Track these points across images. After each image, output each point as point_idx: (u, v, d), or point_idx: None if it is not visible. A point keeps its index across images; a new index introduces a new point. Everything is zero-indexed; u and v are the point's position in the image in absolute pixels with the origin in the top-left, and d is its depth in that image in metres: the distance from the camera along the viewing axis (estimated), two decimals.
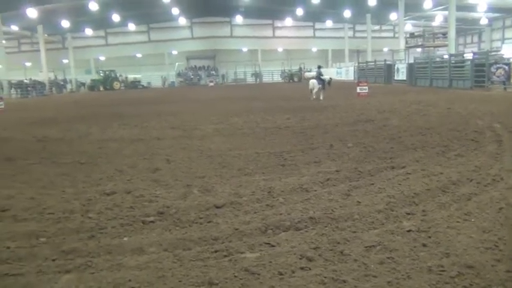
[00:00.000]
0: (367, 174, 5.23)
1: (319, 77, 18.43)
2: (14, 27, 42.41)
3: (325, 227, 3.60)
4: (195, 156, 6.80)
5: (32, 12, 35.84)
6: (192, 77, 53.81)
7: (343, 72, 45.54)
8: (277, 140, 8.10)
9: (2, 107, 19.41)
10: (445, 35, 34.43)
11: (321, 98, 17.66)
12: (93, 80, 47.93)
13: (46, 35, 46.14)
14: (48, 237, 3.58)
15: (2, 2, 32.65)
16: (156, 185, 5.15)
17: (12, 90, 37.95)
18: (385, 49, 55.78)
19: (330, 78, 20.26)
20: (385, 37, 56.72)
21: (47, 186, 5.25)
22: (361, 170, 5.39)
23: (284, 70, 51.95)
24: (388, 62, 34.84)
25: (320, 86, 17.95)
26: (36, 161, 6.87)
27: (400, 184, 4.72)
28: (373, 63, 36.98)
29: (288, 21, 53.74)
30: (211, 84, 47.99)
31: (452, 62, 24.09)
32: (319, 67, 19.55)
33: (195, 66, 56.03)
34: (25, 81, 41.26)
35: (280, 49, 57.51)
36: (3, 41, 38.13)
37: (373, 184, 4.79)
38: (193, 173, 5.66)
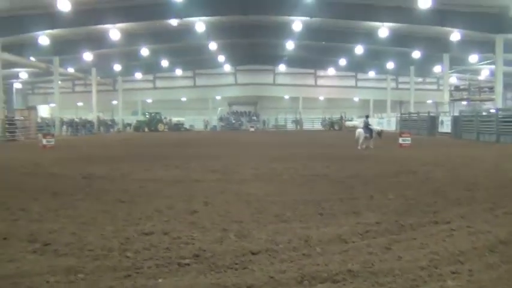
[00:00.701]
0: (408, 228, 5.03)
1: (366, 126, 18.33)
2: (70, 70, 45.21)
3: (364, 281, 3.45)
4: (232, 200, 6.81)
5: (87, 56, 38.21)
6: (233, 121, 54.97)
7: (385, 122, 45.19)
8: (316, 188, 8.00)
9: (53, 143, 20.37)
10: (491, 89, 33.69)
11: (364, 146, 17.45)
12: (138, 121, 50.01)
13: (99, 78, 48.84)
14: (86, 273, 3.62)
15: (61, 46, 35.08)
16: (193, 227, 5.16)
17: (64, 128, 39.94)
18: (429, 101, 55.10)
19: (381, 129, 20.10)
20: (429, 89, 56.32)
21: (88, 223, 5.37)
22: (402, 223, 5.20)
23: (325, 118, 52.12)
24: (431, 114, 34.29)
25: (367, 135, 17.83)
26: (80, 197, 7.08)
27: (444, 240, 4.50)
28: (416, 115, 36.51)
29: (331, 70, 54.44)
30: (252, 129, 48.82)
31: (500, 116, 23.42)
32: (366, 117, 19.47)
33: (237, 111, 57.34)
34: (75, 119, 43.48)
35: (321, 97, 58.09)
36: (59, 82, 40.67)
37: (415, 239, 4.59)
38: (230, 217, 5.65)
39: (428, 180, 8.82)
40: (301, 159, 13.22)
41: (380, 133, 18.98)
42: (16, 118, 33.23)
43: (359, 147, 17.45)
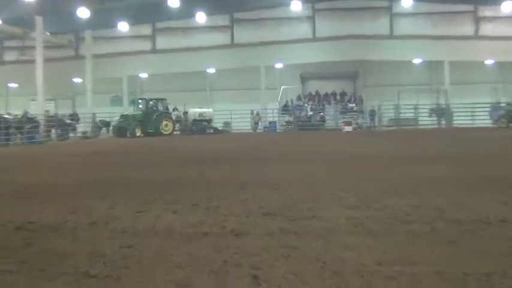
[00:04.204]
0: None
1: None
2: None
3: None
4: (310, 275, 6.67)
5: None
6: (310, 113, 54.54)
7: None
8: (482, 246, 7.69)
9: None
10: None
11: None
12: (124, 116, 50.53)
13: (48, 34, 50.36)
14: None
15: None
16: None
17: None
18: None
19: None
20: None
21: None
22: None
23: (497, 103, 50.91)
24: None
25: None
26: None
27: None
28: None
29: (507, 6, 53.07)
30: (348, 128, 48.83)
31: None
32: None
33: (317, 92, 57.04)
34: (5, 116, 44.77)
35: (488, 61, 56.77)
36: None
37: None
38: None
39: None
40: (446, 188, 13.02)
41: None
42: None
43: None
